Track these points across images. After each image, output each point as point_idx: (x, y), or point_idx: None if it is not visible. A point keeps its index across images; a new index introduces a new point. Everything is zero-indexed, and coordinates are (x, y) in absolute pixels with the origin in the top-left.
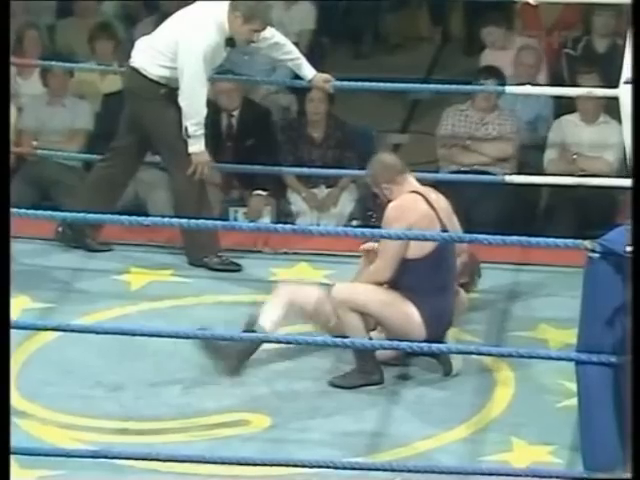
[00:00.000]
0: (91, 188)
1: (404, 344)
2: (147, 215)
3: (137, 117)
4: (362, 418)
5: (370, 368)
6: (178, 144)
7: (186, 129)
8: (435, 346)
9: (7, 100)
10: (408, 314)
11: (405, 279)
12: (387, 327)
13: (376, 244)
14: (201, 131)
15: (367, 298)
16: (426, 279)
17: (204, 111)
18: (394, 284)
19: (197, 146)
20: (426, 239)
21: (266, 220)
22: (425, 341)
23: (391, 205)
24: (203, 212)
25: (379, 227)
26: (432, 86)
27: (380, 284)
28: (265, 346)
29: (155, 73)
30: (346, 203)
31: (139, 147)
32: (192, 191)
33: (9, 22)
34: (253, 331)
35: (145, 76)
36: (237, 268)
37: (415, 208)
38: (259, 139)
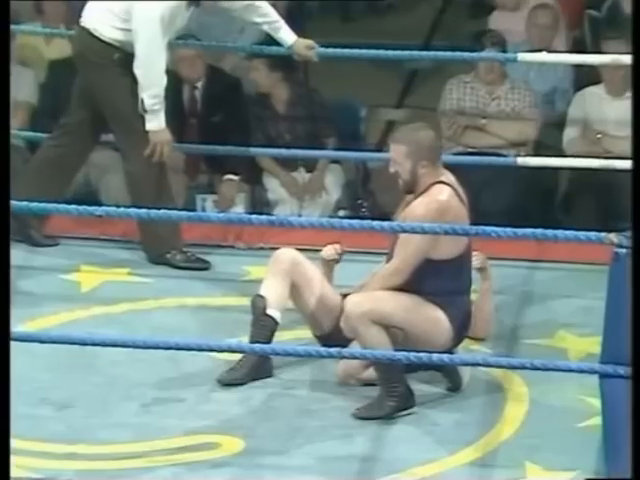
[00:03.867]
0: (37, 172)
1: (400, 354)
2: (99, 204)
3: (88, 86)
4: (351, 440)
5: (401, 390)
6: (134, 120)
7: (142, 102)
8: (436, 356)
9: (7, 97)
10: (435, 319)
11: (429, 282)
12: (410, 336)
13: (336, 251)
14: (160, 105)
15: (392, 306)
16: (452, 281)
17: (163, 81)
18: (415, 288)
19: (156, 123)
20: (425, 232)
21: (239, 210)
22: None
23: (425, 202)
24: (163, 200)
25: (370, 218)
26: (432, 53)
27: (395, 288)
28: (238, 356)
29: (108, 35)
30: (332, 189)
31: (93, 123)
32: (150, 176)
33: (9, 22)
34: (267, 315)
35: (97, 37)
36: (205, 266)
37: (451, 207)
38: (228, 114)
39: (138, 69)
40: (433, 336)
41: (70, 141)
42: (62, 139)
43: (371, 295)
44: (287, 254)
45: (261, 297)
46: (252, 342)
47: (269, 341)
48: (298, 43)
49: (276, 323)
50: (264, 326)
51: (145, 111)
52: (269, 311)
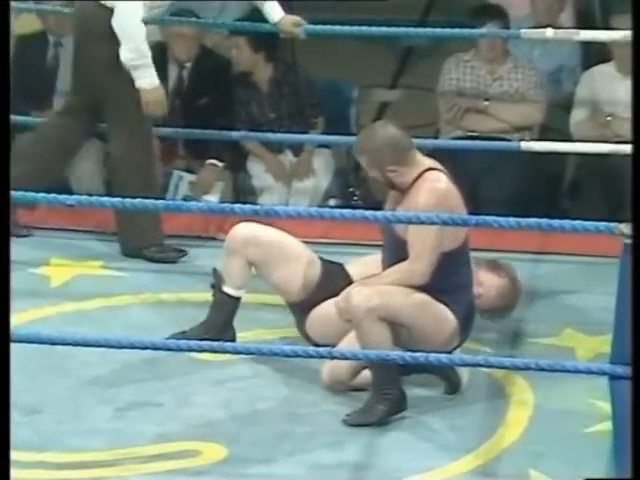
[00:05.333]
0: (37, 152)
1: (395, 354)
2: (70, 193)
3: (89, 61)
4: (341, 447)
5: (394, 394)
6: (126, 98)
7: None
8: (433, 357)
9: (7, 92)
10: (443, 318)
11: (434, 278)
12: (415, 335)
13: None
14: (141, 60)
15: (402, 303)
16: (455, 275)
17: (141, 35)
18: (422, 285)
19: (146, 80)
20: (422, 222)
21: (215, 197)
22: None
23: (426, 188)
24: (148, 189)
25: (362, 207)
26: (429, 30)
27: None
28: (220, 357)
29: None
30: (321, 175)
31: (95, 104)
32: (135, 160)
33: (9, 22)
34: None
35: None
36: (180, 255)
37: (451, 190)
38: (215, 97)
39: (115, 21)
40: (439, 336)
41: (73, 121)
42: (65, 119)
43: (381, 289)
44: (240, 233)
45: (218, 273)
46: (209, 320)
47: (228, 319)
48: (285, 20)
49: (237, 299)
50: (223, 304)
51: (130, 69)
52: (225, 289)
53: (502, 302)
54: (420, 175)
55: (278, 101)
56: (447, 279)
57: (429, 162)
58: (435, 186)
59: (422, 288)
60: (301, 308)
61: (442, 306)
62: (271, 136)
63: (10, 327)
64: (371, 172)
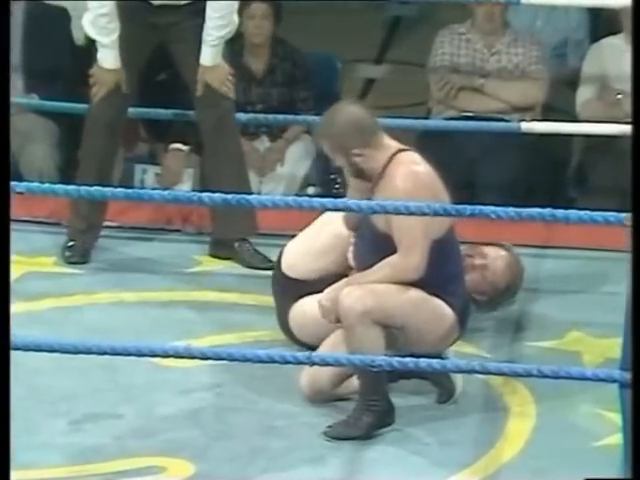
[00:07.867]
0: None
1: (381, 359)
2: (20, 179)
3: None
4: (322, 462)
5: (381, 405)
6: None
7: None
8: (424, 362)
9: (7, 91)
10: (441, 316)
11: (426, 270)
12: (412, 337)
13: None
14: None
15: (398, 304)
16: (448, 265)
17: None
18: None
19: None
20: (411, 213)
21: (186, 187)
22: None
23: (402, 172)
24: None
25: (344, 196)
26: None
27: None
28: (186, 363)
29: None
30: (299, 162)
31: None
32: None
33: (9, 22)
34: None
35: None
36: (84, 259)
37: (429, 171)
38: (174, 73)
39: None
40: (438, 333)
41: None
42: None
43: (374, 289)
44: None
45: None
46: None
47: None
48: None
49: None
50: None
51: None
52: None
53: (509, 275)
54: (391, 158)
55: (269, 90)
56: (439, 270)
57: (397, 144)
58: (412, 169)
59: (415, 283)
60: (287, 291)
61: (439, 301)
62: (242, 117)
63: (10, 332)
64: (336, 159)
